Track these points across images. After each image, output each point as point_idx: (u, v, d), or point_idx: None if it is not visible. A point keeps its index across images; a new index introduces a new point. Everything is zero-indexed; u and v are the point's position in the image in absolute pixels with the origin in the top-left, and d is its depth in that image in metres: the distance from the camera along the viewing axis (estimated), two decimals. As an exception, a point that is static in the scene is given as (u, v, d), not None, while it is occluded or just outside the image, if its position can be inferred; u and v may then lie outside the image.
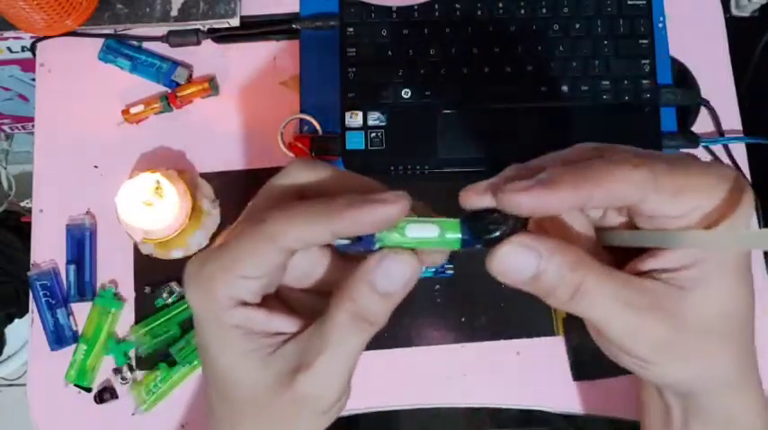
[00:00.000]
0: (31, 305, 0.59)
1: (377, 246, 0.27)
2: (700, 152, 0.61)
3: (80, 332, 0.58)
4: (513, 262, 0.27)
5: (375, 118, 0.59)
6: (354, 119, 0.59)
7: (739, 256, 0.29)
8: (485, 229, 0.27)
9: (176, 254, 0.58)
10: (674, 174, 0.27)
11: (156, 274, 0.59)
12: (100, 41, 0.63)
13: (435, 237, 0.27)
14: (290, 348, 0.28)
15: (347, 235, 0.27)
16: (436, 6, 0.60)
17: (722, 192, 0.27)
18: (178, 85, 0.61)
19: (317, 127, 0.59)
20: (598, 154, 0.28)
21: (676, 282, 0.28)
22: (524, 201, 0.26)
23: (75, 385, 0.57)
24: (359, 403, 0.57)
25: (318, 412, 0.28)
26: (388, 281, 0.27)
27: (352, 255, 0.29)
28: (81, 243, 0.59)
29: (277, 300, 0.30)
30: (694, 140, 0.60)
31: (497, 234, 0.27)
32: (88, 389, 0.57)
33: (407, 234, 0.27)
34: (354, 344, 0.27)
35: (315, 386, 0.27)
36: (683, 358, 0.30)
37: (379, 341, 0.56)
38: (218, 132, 0.62)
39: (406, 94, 0.59)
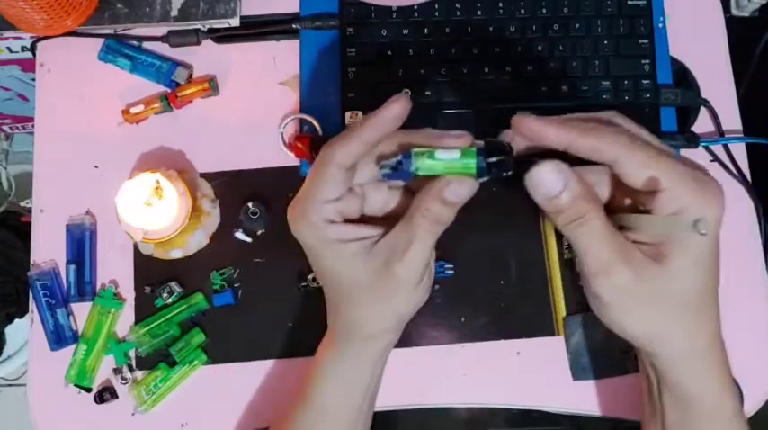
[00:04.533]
0: (31, 305, 0.59)
1: (412, 170, 0.36)
2: (700, 152, 0.61)
3: (80, 332, 0.58)
4: (547, 179, 0.35)
5: (375, 118, 0.59)
6: (354, 119, 0.59)
7: (702, 245, 0.36)
8: (493, 152, 0.36)
9: (176, 254, 0.58)
10: (649, 151, 0.35)
11: (156, 274, 0.59)
12: (100, 41, 0.63)
13: (457, 158, 0.36)
14: (380, 248, 0.39)
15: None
16: (436, 6, 0.60)
17: (686, 183, 0.35)
18: (178, 85, 0.61)
19: (317, 127, 0.59)
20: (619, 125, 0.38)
21: (649, 254, 0.36)
22: (529, 125, 0.36)
23: (76, 385, 0.57)
24: (359, 403, 0.57)
25: (411, 288, 0.40)
26: (453, 194, 0.36)
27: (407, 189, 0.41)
28: (81, 243, 0.59)
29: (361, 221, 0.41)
30: (694, 140, 0.60)
31: (501, 157, 0.36)
32: (88, 390, 0.57)
33: (437, 155, 0.36)
34: (432, 238, 0.38)
35: (407, 270, 0.38)
36: (638, 308, 0.37)
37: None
38: (218, 132, 0.62)
39: (405, 93, 0.59)
